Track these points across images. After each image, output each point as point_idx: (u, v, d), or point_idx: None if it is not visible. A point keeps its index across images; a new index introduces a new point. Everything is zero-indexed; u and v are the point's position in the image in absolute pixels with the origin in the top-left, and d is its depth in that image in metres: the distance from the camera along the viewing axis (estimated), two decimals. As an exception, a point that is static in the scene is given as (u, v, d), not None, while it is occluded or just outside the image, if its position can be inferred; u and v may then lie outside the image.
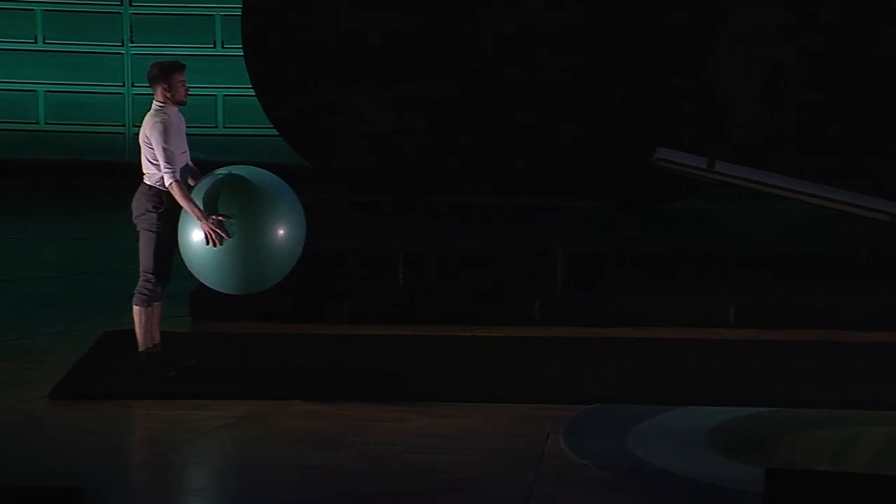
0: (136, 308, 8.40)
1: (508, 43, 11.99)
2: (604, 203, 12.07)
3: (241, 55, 12.63)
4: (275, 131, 12.68)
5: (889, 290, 9.99)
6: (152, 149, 8.29)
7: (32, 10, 14.62)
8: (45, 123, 14.70)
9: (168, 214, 8.28)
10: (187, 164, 8.39)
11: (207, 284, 8.30)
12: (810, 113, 11.83)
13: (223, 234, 8.05)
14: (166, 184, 8.22)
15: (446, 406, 8.14)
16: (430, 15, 12.07)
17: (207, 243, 8.06)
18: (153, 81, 8.39)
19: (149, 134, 8.31)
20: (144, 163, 8.38)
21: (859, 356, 9.00)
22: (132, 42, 14.62)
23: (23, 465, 7.21)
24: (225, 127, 14.49)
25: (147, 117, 8.39)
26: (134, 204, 8.40)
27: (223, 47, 14.49)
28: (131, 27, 14.63)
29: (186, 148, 8.42)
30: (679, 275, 10.33)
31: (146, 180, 8.36)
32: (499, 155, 12.17)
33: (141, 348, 8.44)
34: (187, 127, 8.56)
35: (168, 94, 8.33)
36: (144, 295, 8.37)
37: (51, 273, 11.28)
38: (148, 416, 8.01)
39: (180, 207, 8.20)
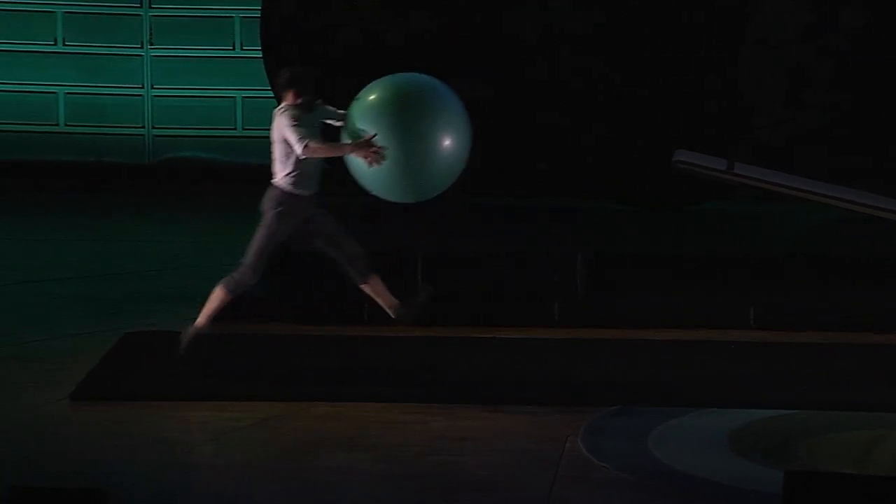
0: (219, 289, 8.41)
1: (531, 44, 12.01)
2: (625, 204, 12.07)
3: (259, 57, 12.66)
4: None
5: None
6: (283, 143, 8.29)
7: (53, 12, 14.69)
8: (66, 125, 14.77)
9: (286, 216, 8.33)
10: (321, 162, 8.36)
11: (384, 196, 8.31)
12: (834, 114, 11.83)
13: (378, 151, 8.06)
14: (299, 153, 8.20)
15: (465, 408, 8.15)
16: (451, 16, 12.09)
17: (370, 166, 8.07)
18: (283, 88, 8.42)
19: (278, 125, 8.30)
20: (274, 163, 8.40)
21: (882, 358, 8.98)
22: (151, 44, 14.67)
23: (46, 466, 7.23)
24: (244, 129, 14.53)
25: (277, 115, 8.37)
26: (263, 201, 8.44)
27: (242, 49, 14.53)
28: (151, 29, 14.68)
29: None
30: (699, 276, 10.33)
31: (273, 180, 8.41)
32: (520, 156, 12.19)
33: (198, 323, 8.43)
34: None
35: (299, 101, 8.36)
36: (237, 283, 8.38)
37: (72, 274, 11.33)
38: (169, 418, 8.04)
39: (300, 212, 8.28)
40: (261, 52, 12.58)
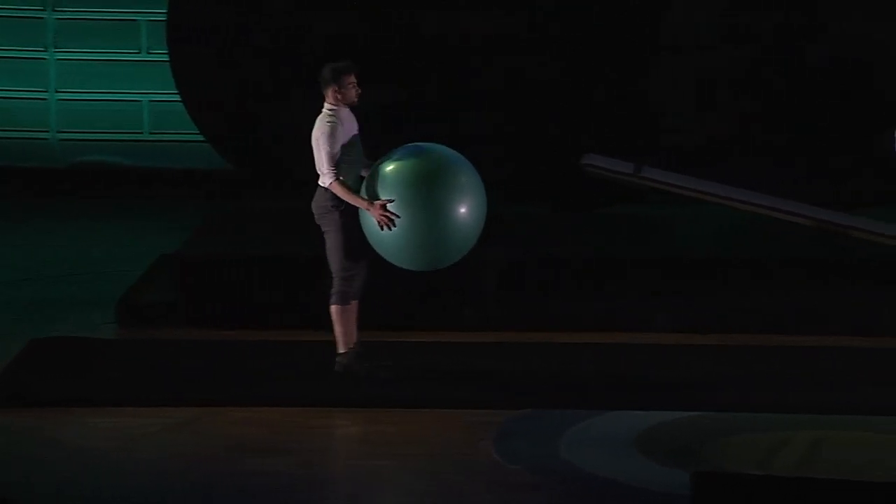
0: (334, 308, 8.46)
1: (447, 48, 12.03)
2: (539, 207, 12.13)
3: (166, 60, 12.58)
4: (202, 137, 12.64)
5: (814, 293, 10.13)
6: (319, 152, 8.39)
7: (-44, 15, 14.50)
8: (-31, 129, 14.58)
9: (345, 213, 8.36)
10: (362, 160, 8.44)
11: (396, 263, 8.34)
12: (743, 120, 11.97)
13: (392, 216, 8.13)
14: (326, 185, 8.32)
15: (379, 411, 8.16)
16: (366, 19, 12.08)
17: (382, 229, 8.14)
18: (324, 84, 8.47)
19: (317, 136, 8.39)
20: (317, 165, 8.43)
21: (786, 360, 9.11)
22: (56, 47, 14.52)
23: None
24: (151, 133, 14.43)
25: (317, 120, 8.46)
26: (314, 206, 8.48)
27: (148, 53, 14.43)
28: (55, 32, 14.53)
29: (360, 147, 8.46)
30: (610, 279, 10.42)
31: (321, 182, 8.43)
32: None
33: (342, 349, 8.51)
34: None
35: (339, 96, 8.41)
36: (342, 293, 8.43)
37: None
38: (80, 424, 7.97)
39: (353, 207, 8.29)
40: (167, 55, 12.50)
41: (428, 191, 8.21)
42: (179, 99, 12.55)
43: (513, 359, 9.12)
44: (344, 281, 8.45)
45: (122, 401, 8.27)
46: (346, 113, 8.48)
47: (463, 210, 8.26)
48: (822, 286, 10.24)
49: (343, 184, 8.31)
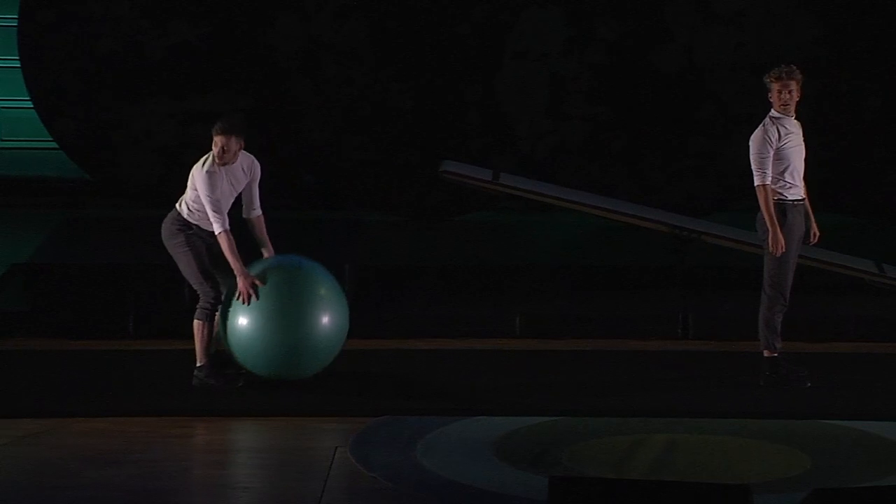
0: (197, 322, 8.47)
1: (297, 56, 12.01)
2: (394, 215, 12.15)
3: (17, 66, 12.41)
4: (55, 144, 12.48)
5: (667, 298, 10.28)
6: (195, 190, 8.39)
7: None
8: None
9: (195, 235, 8.41)
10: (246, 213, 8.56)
11: (249, 369, 8.48)
12: (593, 125, 12.10)
13: (253, 295, 8.28)
14: (216, 232, 8.34)
15: (232, 420, 8.11)
16: (217, 27, 12.02)
17: (237, 298, 8.28)
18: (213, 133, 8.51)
19: (195, 181, 8.38)
20: (186, 192, 8.44)
21: (640, 365, 9.22)
22: None
23: None
24: (3, 140, 14.20)
25: (195, 167, 8.46)
26: (162, 229, 8.48)
27: (-2, 58, 14.20)
28: None
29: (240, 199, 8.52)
30: (467, 286, 10.47)
31: (177, 205, 8.45)
32: (288, 168, 12.18)
33: (200, 362, 8.51)
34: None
35: (217, 150, 8.44)
36: (207, 309, 8.45)
37: None
38: (-77, 438, 7.80)
39: (205, 232, 8.35)
40: (18, 61, 12.32)
41: (291, 310, 8.37)
42: (31, 105, 12.38)
43: (369, 366, 9.12)
44: (206, 297, 8.46)
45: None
46: (223, 173, 8.44)
47: (325, 322, 8.45)
48: (676, 291, 10.39)
49: (230, 237, 8.35)
